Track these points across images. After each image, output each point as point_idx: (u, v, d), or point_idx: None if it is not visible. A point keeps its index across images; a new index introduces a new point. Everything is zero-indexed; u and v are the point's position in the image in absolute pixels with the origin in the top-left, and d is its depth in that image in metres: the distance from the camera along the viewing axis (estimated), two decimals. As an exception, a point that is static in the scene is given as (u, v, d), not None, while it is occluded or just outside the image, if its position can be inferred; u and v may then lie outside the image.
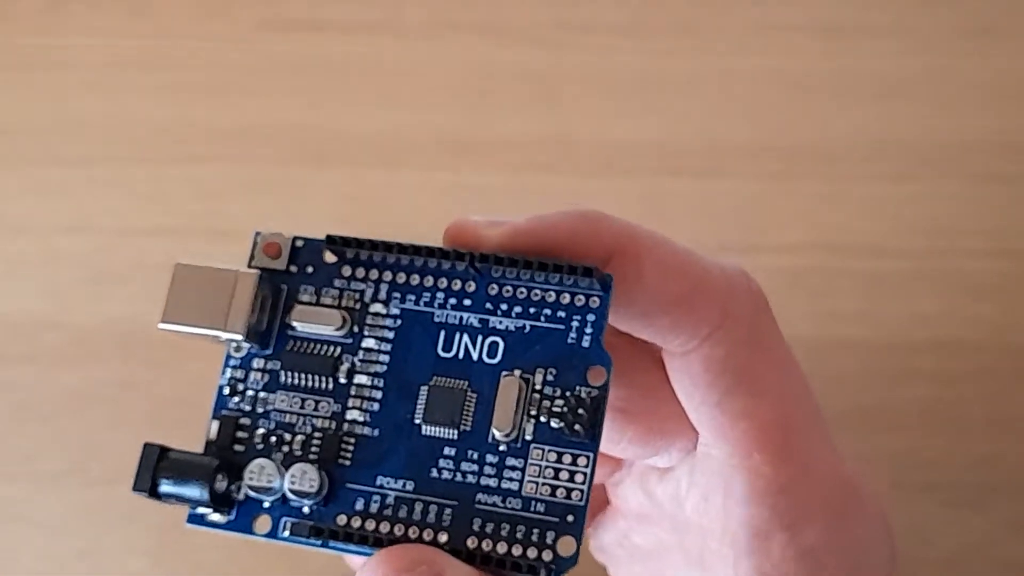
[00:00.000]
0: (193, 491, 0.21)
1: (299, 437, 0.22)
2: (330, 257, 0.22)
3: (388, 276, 0.22)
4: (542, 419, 0.21)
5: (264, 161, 0.40)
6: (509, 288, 0.22)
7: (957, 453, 0.36)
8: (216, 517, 0.21)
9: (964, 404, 0.36)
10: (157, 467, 0.21)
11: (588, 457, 0.21)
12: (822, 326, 0.36)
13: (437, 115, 0.40)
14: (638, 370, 0.24)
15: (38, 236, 0.39)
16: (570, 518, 0.20)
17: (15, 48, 0.41)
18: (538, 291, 0.21)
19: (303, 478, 0.21)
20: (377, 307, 0.22)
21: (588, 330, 0.21)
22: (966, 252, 0.38)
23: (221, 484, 0.21)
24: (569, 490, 0.21)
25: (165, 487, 0.21)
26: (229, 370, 0.22)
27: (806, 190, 0.39)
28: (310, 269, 0.22)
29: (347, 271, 0.22)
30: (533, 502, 0.21)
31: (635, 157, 0.39)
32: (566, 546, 0.20)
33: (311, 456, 0.22)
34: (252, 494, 0.21)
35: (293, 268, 0.22)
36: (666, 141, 0.39)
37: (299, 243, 0.22)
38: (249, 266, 0.22)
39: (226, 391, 0.22)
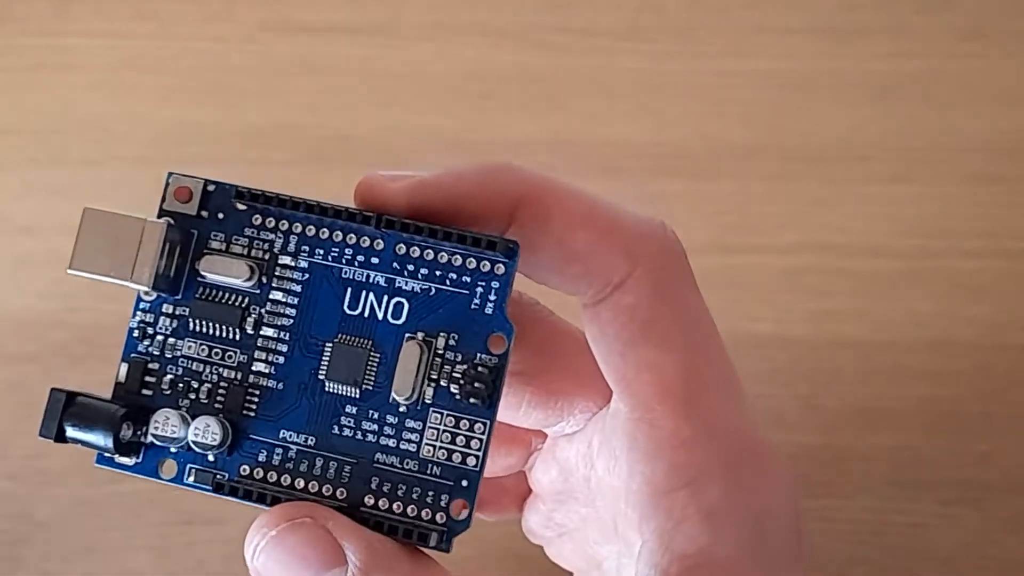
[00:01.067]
0: (98, 438, 0.21)
1: (206, 386, 0.22)
2: (241, 204, 0.22)
3: (298, 228, 0.22)
4: (442, 383, 0.21)
5: (265, 161, 0.40)
6: (416, 249, 0.21)
7: (954, 452, 0.36)
8: (124, 460, 0.22)
9: (960, 403, 0.36)
10: (64, 413, 0.21)
11: (485, 424, 0.21)
12: (819, 326, 0.37)
13: (437, 115, 0.40)
14: (528, 330, 0.23)
15: (43, 236, 0.39)
16: (464, 483, 0.21)
17: (20, 49, 0.42)
18: (445, 254, 0.21)
19: (206, 431, 0.21)
20: (286, 259, 0.22)
21: (492, 297, 0.21)
22: (962, 252, 0.38)
23: (126, 432, 0.21)
24: (465, 455, 0.21)
25: (71, 432, 0.21)
26: (140, 314, 0.22)
27: (803, 191, 0.39)
28: (221, 215, 0.22)
29: (257, 219, 0.22)
30: (430, 464, 0.21)
31: (633, 158, 0.40)
32: (458, 509, 0.21)
33: (216, 405, 0.22)
34: (157, 442, 0.21)
35: (204, 213, 0.22)
36: (664, 142, 0.39)
37: (211, 188, 0.22)
38: (160, 209, 0.22)
39: (136, 334, 0.22)
